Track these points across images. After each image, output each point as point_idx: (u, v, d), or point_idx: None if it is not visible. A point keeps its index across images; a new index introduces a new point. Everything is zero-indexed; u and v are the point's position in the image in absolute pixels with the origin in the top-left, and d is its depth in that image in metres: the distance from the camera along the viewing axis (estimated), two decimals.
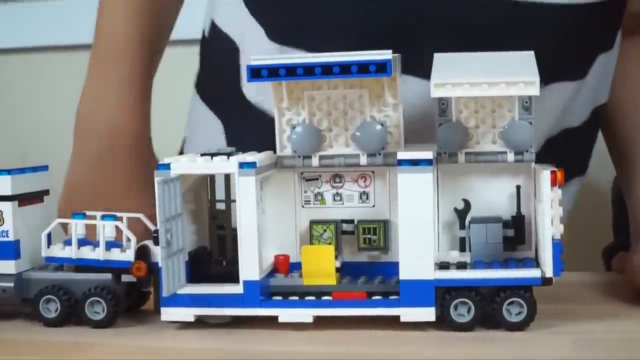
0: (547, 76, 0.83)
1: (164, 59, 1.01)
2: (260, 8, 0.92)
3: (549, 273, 0.67)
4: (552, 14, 0.85)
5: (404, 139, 0.73)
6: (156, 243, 0.69)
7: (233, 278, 0.71)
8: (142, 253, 0.72)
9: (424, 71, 0.72)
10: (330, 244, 0.73)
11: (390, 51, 0.68)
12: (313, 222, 0.74)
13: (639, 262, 0.79)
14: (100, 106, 0.94)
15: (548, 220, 0.67)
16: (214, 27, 1.00)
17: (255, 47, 0.91)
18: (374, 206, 0.75)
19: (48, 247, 0.75)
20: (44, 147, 1.66)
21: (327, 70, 0.68)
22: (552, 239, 0.67)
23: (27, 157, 1.61)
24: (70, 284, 0.74)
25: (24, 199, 0.76)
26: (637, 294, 0.77)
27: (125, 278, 0.74)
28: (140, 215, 0.77)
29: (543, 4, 0.84)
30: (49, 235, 0.75)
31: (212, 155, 0.72)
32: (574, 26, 0.87)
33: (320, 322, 0.70)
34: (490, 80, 0.67)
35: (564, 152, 0.92)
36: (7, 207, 0.74)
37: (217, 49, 1.00)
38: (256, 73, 0.69)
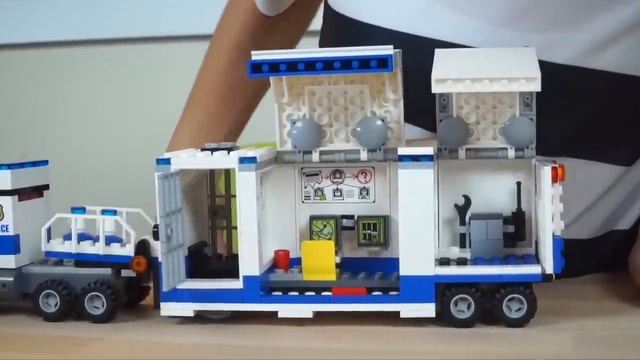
0: (591, 151, 0.82)
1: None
2: None
3: (549, 269, 0.67)
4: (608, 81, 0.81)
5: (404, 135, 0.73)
6: (156, 238, 0.69)
7: (233, 273, 0.71)
8: (142, 248, 0.72)
9: None
10: (330, 239, 0.73)
11: (391, 46, 0.68)
12: (313, 218, 0.74)
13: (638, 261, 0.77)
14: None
15: (549, 217, 0.67)
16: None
17: None
18: (374, 202, 0.75)
19: (48, 241, 0.75)
20: (44, 146, 1.66)
21: (328, 65, 0.68)
22: (553, 235, 0.67)
23: (28, 156, 1.61)
24: (70, 279, 0.74)
25: (23, 194, 0.76)
26: (637, 292, 0.77)
27: (125, 273, 0.74)
28: (140, 210, 0.77)
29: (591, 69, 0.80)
30: (48, 230, 0.75)
31: (213, 150, 0.72)
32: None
33: (320, 318, 0.70)
34: (491, 76, 0.67)
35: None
36: (7, 201, 0.74)
37: None
38: (257, 68, 0.69)
